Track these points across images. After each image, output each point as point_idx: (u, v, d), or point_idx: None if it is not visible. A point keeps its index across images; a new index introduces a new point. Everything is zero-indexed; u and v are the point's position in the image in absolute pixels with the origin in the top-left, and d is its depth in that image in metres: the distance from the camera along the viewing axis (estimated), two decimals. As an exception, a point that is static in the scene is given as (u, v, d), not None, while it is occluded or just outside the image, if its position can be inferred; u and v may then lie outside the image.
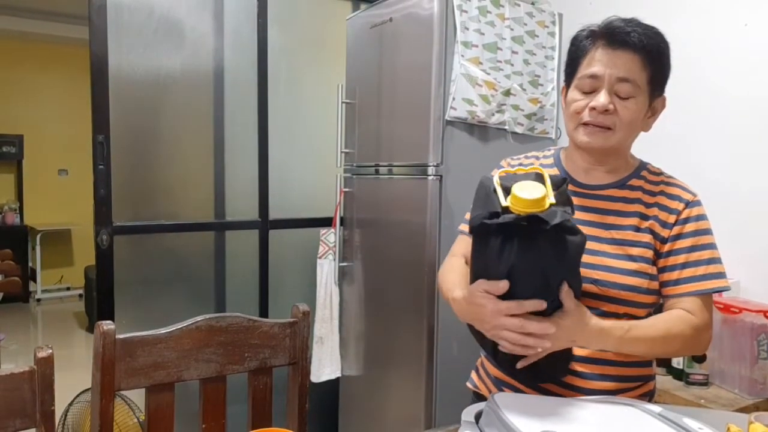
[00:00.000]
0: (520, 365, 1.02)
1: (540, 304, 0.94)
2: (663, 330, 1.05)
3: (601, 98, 1.07)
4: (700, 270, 1.08)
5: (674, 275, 1.09)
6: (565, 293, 0.95)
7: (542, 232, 0.88)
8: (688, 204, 1.11)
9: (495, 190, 0.94)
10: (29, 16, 5.35)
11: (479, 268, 0.98)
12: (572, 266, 0.96)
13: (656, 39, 1.08)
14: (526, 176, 0.97)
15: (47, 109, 6.26)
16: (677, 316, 1.07)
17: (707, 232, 1.11)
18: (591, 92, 1.09)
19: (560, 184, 0.97)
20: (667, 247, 1.10)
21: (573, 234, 0.93)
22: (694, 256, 1.09)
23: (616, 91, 1.07)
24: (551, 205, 0.90)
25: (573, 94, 1.13)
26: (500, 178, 0.97)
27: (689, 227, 1.10)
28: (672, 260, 1.09)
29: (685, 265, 1.09)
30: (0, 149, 6.02)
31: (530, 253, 0.91)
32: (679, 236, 1.10)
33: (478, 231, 0.95)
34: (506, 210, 0.91)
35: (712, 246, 1.10)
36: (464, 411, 0.94)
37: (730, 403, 1.64)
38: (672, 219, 1.10)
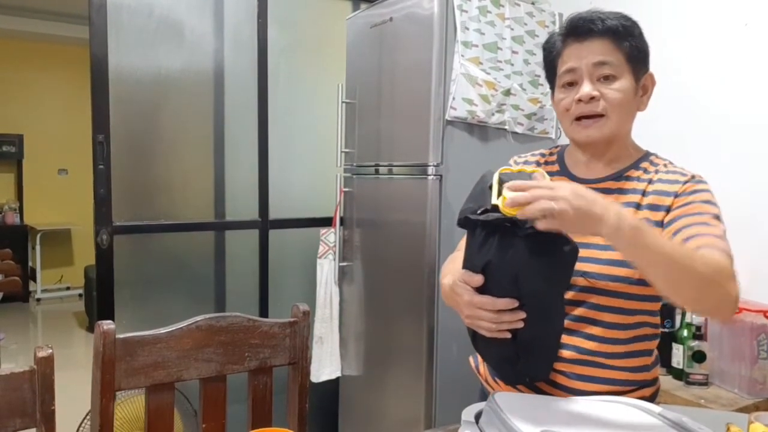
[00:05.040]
0: None
1: (512, 303, 0.94)
2: (690, 250, 0.93)
3: (584, 88, 1.08)
4: (699, 229, 0.99)
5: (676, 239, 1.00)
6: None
7: (520, 235, 0.89)
8: (684, 183, 1.08)
9: (491, 186, 0.95)
10: (29, 16, 5.35)
11: (465, 258, 1.01)
12: (549, 275, 0.95)
13: (619, 19, 1.08)
14: (530, 177, 0.96)
15: (47, 109, 6.26)
16: (705, 250, 0.94)
17: (706, 202, 1.05)
18: (573, 85, 1.11)
19: None
20: (665, 224, 1.05)
21: (559, 245, 0.92)
22: (690, 220, 1.02)
23: (597, 76, 1.08)
24: None
25: (558, 94, 1.15)
26: (501, 175, 0.97)
27: (682, 200, 1.06)
28: (669, 229, 1.04)
29: (680, 230, 1.01)
30: (0, 149, 6.02)
31: (506, 254, 0.92)
32: (673, 209, 1.06)
33: (462, 224, 0.97)
34: (495, 208, 0.92)
35: (710, 215, 1.02)
36: (464, 411, 0.94)
37: (730, 403, 1.64)
38: (669, 201, 1.07)
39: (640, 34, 1.11)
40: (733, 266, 0.94)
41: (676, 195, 1.07)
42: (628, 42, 1.08)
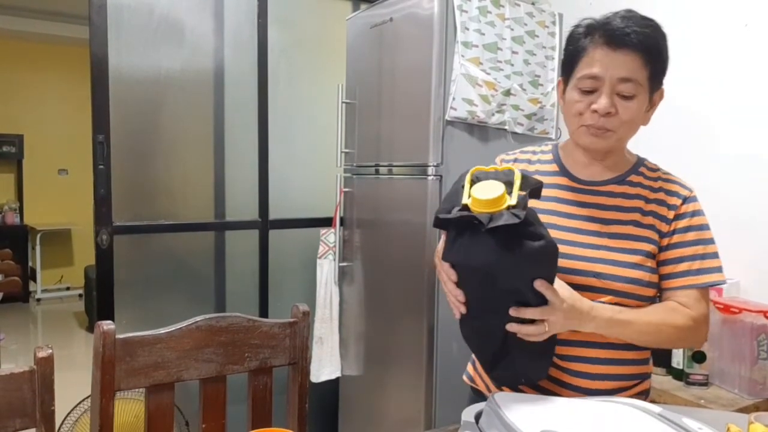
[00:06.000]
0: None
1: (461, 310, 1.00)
2: (656, 317, 1.08)
3: (603, 101, 1.06)
4: (695, 264, 1.11)
5: (670, 269, 1.12)
6: (541, 287, 0.95)
7: (489, 231, 0.89)
8: (685, 200, 1.14)
9: (463, 186, 0.96)
10: (29, 16, 5.35)
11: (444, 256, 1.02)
12: (524, 272, 0.94)
13: (655, 36, 1.07)
14: (505, 175, 0.96)
15: (47, 109, 6.26)
16: (671, 307, 1.10)
17: (703, 227, 1.13)
18: (591, 92, 1.08)
19: (533, 186, 0.96)
20: (665, 242, 1.12)
21: (530, 240, 0.91)
22: (689, 251, 1.11)
23: (617, 91, 1.06)
24: (509, 207, 0.90)
25: (572, 94, 1.11)
26: (475, 174, 0.97)
27: (684, 223, 1.12)
28: (668, 254, 1.12)
29: (680, 260, 1.11)
30: (0, 149, 6.02)
31: (475, 252, 0.93)
32: (675, 231, 1.12)
33: (436, 224, 0.98)
34: (465, 207, 0.93)
35: (706, 241, 1.12)
36: (464, 411, 0.94)
37: (730, 403, 1.64)
38: (671, 215, 1.13)
39: (667, 52, 1.09)
40: (707, 307, 1.12)
41: (677, 212, 1.13)
42: (656, 61, 1.07)
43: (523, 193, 0.93)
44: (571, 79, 1.12)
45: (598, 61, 1.07)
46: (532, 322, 0.97)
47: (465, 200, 0.93)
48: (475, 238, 0.92)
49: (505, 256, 0.90)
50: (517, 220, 0.88)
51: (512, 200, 0.91)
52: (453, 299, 1.01)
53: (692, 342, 1.16)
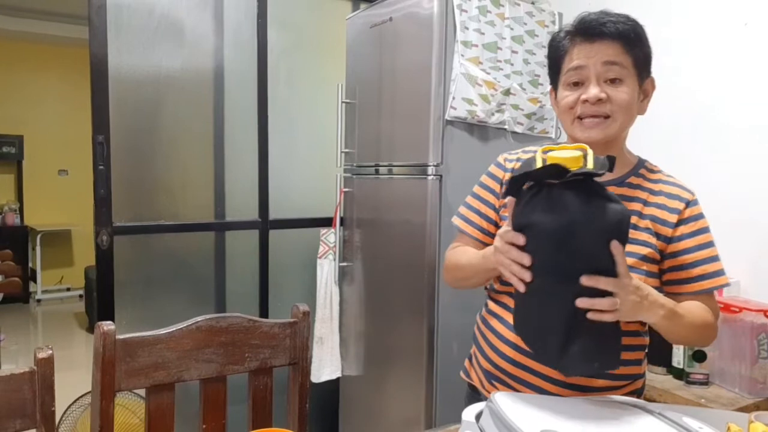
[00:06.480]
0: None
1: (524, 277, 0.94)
2: (700, 315, 1.09)
3: (592, 89, 1.08)
4: (708, 268, 1.11)
5: (684, 274, 1.12)
6: (615, 250, 0.90)
7: (569, 188, 0.87)
8: (689, 204, 1.13)
9: (534, 159, 0.94)
10: (29, 16, 5.35)
11: (513, 223, 0.97)
12: (606, 229, 0.90)
13: (631, 23, 1.09)
14: (574, 152, 0.94)
15: (47, 109, 6.26)
16: (700, 305, 1.10)
17: (706, 230, 1.14)
18: (579, 85, 1.11)
19: (604, 161, 0.93)
20: (671, 248, 1.12)
21: (610, 200, 0.89)
22: (701, 254, 1.11)
23: (605, 77, 1.09)
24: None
25: (562, 92, 1.14)
26: (544, 151, 0.96)
27: (691, 227, 1.12)
28: (679, 260, 1.12)
29: (694, 264, 1.11)
30: (0, 149, 6.02)
31: (554, 208, 0.89)
32: (683, 237, 1.12)
33: (509, 187, 0.95)
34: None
35: (711, 244, 1.13)
36: (464, 411, 0.94)
37: (730, 402, 1.64)
38: (674, 218, 1.12)
39: (647, 40, 1.11)
40: (718, 315, 1.14)
41: (681, 216, 1.12)
42: (637, 48, 1.09)
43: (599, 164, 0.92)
44: (559, 80, 1.15)
45: (579, 54, 1.10)
46: (602, 296, 0.91)
47: (539, 165, 0.91)
48: (554, 196, 0.89)
49: (586, 212, 0.88)
50: (600, 172, 0.87)
51: (588, 166, 0.90)
52: (517, 268, 0.94)
53: (711, 340, 1.16)
